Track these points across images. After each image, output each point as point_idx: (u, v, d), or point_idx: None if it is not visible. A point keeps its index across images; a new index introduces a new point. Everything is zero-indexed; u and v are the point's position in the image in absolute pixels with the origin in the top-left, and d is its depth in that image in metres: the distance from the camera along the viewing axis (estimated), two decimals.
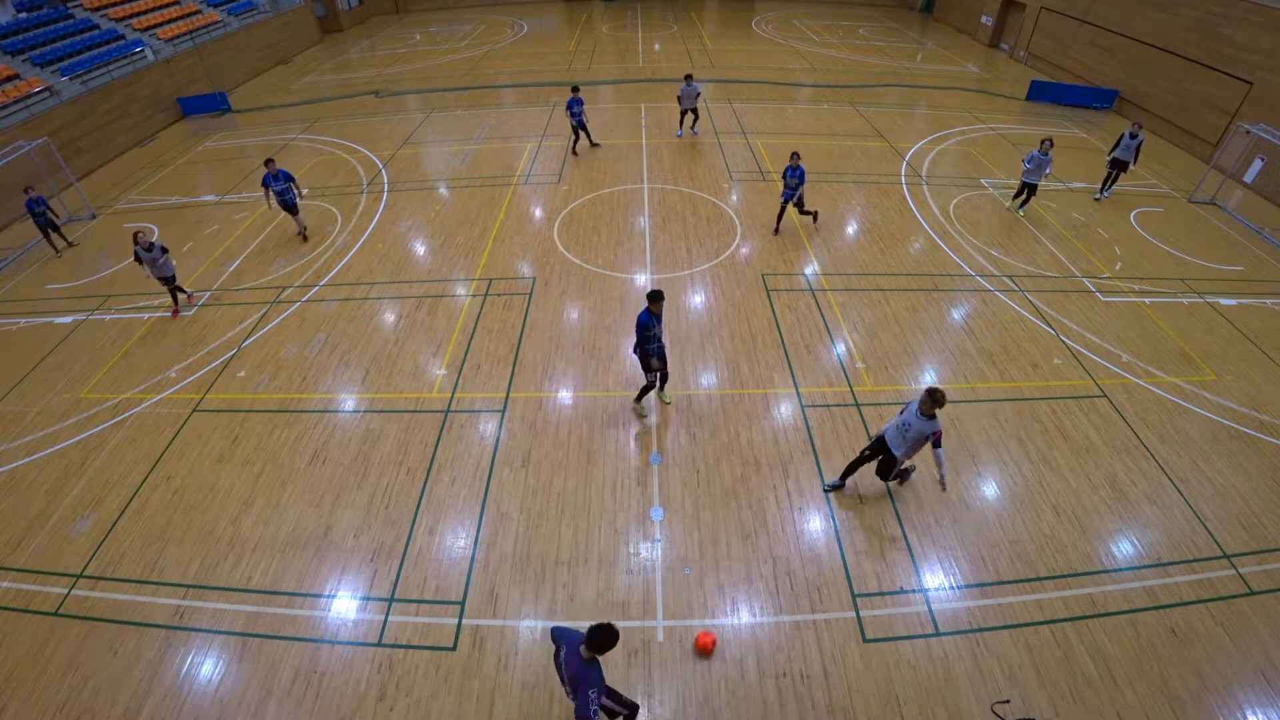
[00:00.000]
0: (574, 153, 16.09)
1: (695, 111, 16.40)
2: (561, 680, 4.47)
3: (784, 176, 11.73)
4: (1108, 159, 13.62)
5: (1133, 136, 12.87)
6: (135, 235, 10.08)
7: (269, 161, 11.73)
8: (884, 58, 25.02)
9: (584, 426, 8.25)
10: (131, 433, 8.47)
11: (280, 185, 11.80)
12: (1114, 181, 13.63)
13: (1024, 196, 12.86)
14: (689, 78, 15.57)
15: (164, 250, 10.23)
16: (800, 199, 11.83)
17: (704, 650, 5.88)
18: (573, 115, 15.26)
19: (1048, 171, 11.78)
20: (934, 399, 6.06)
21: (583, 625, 6.02)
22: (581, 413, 8.46)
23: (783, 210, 12.23)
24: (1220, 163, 14.87)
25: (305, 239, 12.61)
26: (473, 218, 13.28)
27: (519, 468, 7.71)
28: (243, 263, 12.10)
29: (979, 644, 5.92)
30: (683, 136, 16.85)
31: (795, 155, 11.59)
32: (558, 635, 4.55)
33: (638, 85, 21.75)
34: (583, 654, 4.20)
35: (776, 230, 12.44)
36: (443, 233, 12.79)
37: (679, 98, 15.95)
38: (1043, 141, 12.12)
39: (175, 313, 10.77)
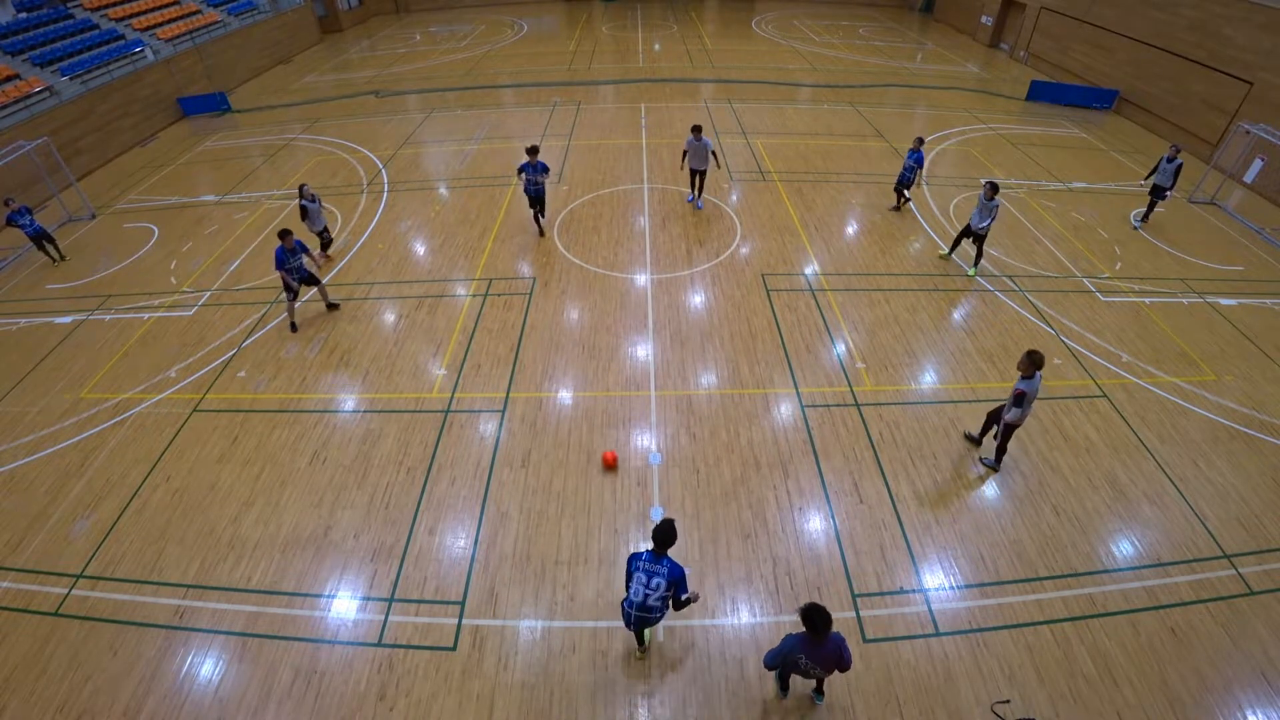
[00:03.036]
0: (540, 234, 12.57)
1: (703, 174, 12.76)
2: (811, 671, 4.82)
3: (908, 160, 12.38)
4: (1145, 184, 12.94)
5: (1170, 160, 12.05)
6: (301, 187, 11.16)
7: (285, 234, 9.44)
8: (884, 58, 25.02)
9: (584, 426, 8.25)
10: (131, 433, 8.47)
11: (296, 260, 9.65)
12: (1151, 209, 12.75)
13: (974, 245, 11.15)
14: (697, 131, 12.01)
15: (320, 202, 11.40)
16: (909, 182, 12.62)
17: (608, 465, 7.40)
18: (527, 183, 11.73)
19: (990, 221, 10.45)
20: (1032, 359, 6.64)
21: (583, 625, 6.06)
22: (581, 413, 8.46)
23: (899, 192, 12.98)
24: (1220, 163, 14.87)
25: (295, 329, 10.22)
26: (473, 218, 13.28)
27: (519, 468, 7.71)
28: (243, 263, 12.10)
29: (979, 644, 5.92)
30: (695, 204, 13.41)
31: (919, 140, 12.26)
32: (793, 650, 4.67)
33: (638, 85, 21.76)
34: (811, 638, 4.47)
35: (897, 207, 13.19)
36: (443, 233, 12.80)
37: (684, 153, 12.40)
38: (986, 183, 10.43)
39: (326, 258, 11.91)
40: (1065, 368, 9.18)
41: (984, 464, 7.72)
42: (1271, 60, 14.48)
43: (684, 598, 5.13)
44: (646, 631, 5.74)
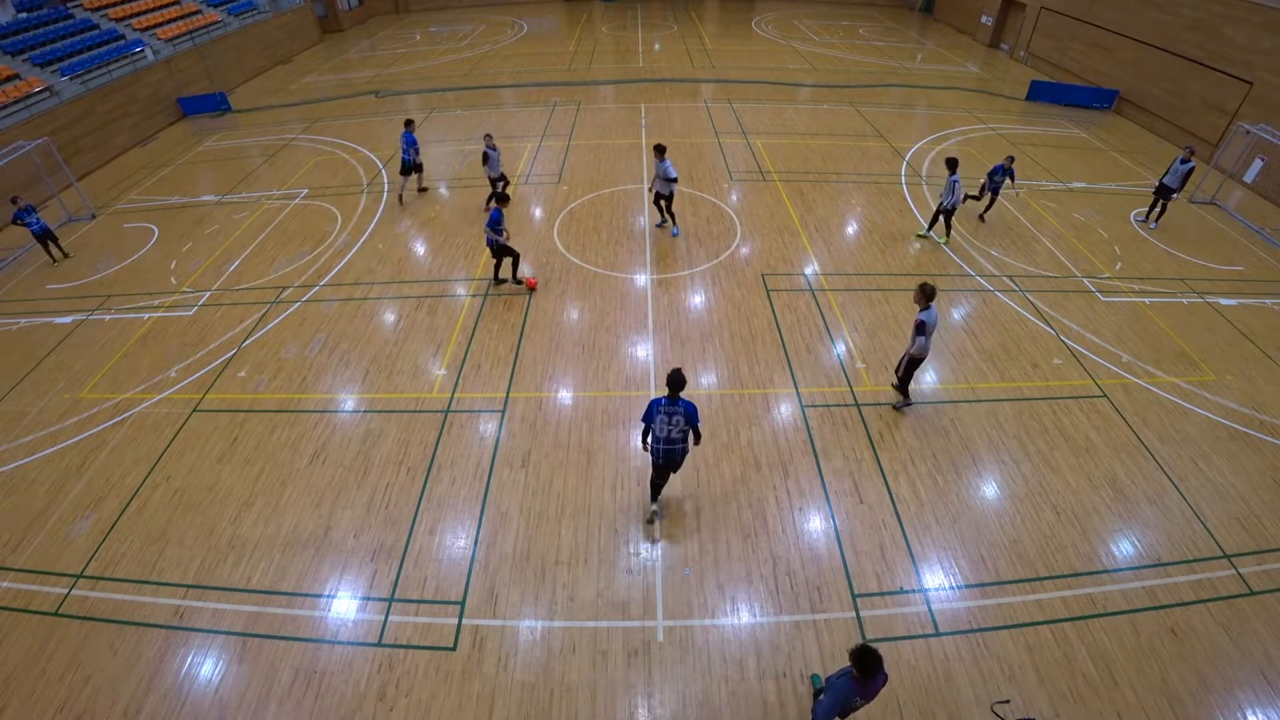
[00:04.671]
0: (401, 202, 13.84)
1: (669, 198, 11.87)
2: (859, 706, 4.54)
3: (991, 175, 12.19)
4: (1155, 184, 12.89)
5: (1184, 162, 11.97)
6: (486, 136, 12.73)
7: (408, 122, 13.45)
8: (884, 58, 25.02)
9: (584, 426, 8.25)
10: (131, 433, 8.47)
11: (410, 142, 13.29)
12: (1163, 210, 12.75)
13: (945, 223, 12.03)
14: (660, 151, 11.38)
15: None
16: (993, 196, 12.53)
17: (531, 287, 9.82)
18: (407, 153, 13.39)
19: (959, 199, 11.29)
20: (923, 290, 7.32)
21: (583, 625, 6.06)
22: (581, 413, 8.46)
23: (991, 203, 12.76)
24: (1220, 163, 14.87)
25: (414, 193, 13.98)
26: (472, 218, 13.28)
27: (519, 468, 7.71)
28: (243, 263, 12.10)
29: (979, 644, 5.91)
30: (665, 228, 12.56)
31: (1011, 159, 12.02)
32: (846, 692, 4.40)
33: (638, 85, 21.76)
34: (863, 680, 4.20)
35: (983, 218, 12.87)
36: (443, 233, 12.80)
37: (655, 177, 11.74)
38: (948, 160, 11.41)
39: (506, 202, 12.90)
40: (1065, 368, 9.18)
41: (895, 408, 8.39)
42: (1271, 60, 14.48)
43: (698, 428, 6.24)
44: (661, 498, 6.98)
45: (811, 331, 9.84)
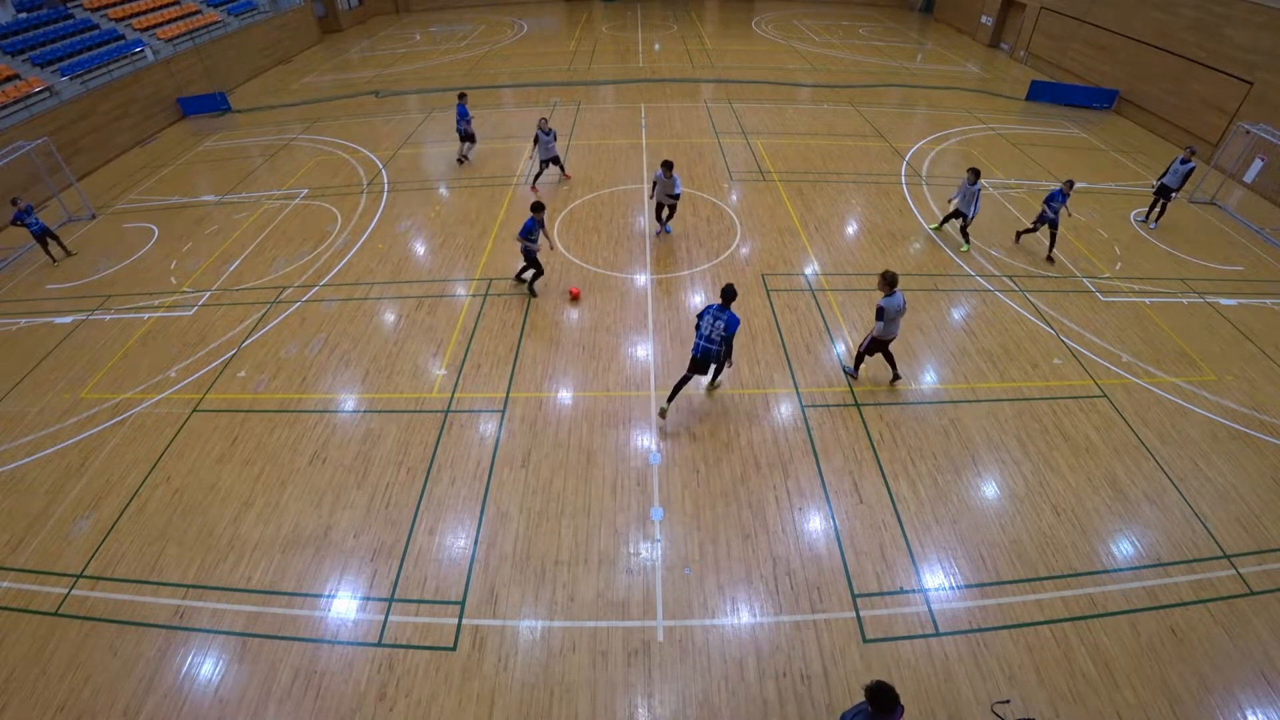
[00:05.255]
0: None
1: (672, 208, 11.83)
2: None
3: (1048, 203, 11.07)
4: (1154, 184, 12.84)
5: (1184, 162, 11.98)
6: (541, 120, 13.30)
7: (461, 95, 15.09)
8: (884, 58, 25.03)
9: (584, 426, 8.25)
10: (131, 433, 8.47)
11: (466, 115, 15.06)
12: (1163, 211, 12.73)
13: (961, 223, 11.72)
14: (668, 167, 11.10)
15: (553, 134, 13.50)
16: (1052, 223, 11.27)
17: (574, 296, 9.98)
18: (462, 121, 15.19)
19: (978, 210, 11.33)
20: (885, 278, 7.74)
21: (583, 625, 6.06)
22: (581, 413, 8.46)
23: (1053, 239, 11.49)
24: (1220, 163, 14.87)
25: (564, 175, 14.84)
26: (473, 218, 13.28)
27: (519, 468, 7.71)
28: (243, 263, 12.10)
29: (979, 644, 5.91)
30: (662, 235, 12.42)
31: (1070, 184, 10.95)
32: None
33: (638, 85, 21.76)
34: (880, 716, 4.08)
35: (1050, 258, 11.56)
36: (443, 233, 12.80)
37: (653, 184, 11.60)
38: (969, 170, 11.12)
39: (566, 177, 14.65)
40: (1065, 368, 9.18)
41: (846, 373, 8.98)
42: (1271, 60, 14.48)
43: (730, 355, 7.64)
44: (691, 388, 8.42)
45: (811, 331, 9.84)
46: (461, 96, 15.10)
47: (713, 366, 7.93)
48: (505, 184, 14.67)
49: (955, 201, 11.50)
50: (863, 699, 4.12)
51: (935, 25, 30.81)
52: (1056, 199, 11.10)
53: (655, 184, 11.63)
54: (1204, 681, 5.64)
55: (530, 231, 9.90)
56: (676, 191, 11.39)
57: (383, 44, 29.31)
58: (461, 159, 15.85)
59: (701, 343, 7.58)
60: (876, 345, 8.36)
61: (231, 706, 5.58)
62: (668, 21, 31.84)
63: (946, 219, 12.07)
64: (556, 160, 14.14)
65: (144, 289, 11.51)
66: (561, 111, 19.36)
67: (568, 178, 14.70)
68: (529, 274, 10.69)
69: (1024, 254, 11.85)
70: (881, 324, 7.97)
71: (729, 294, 7.57)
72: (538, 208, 9.98)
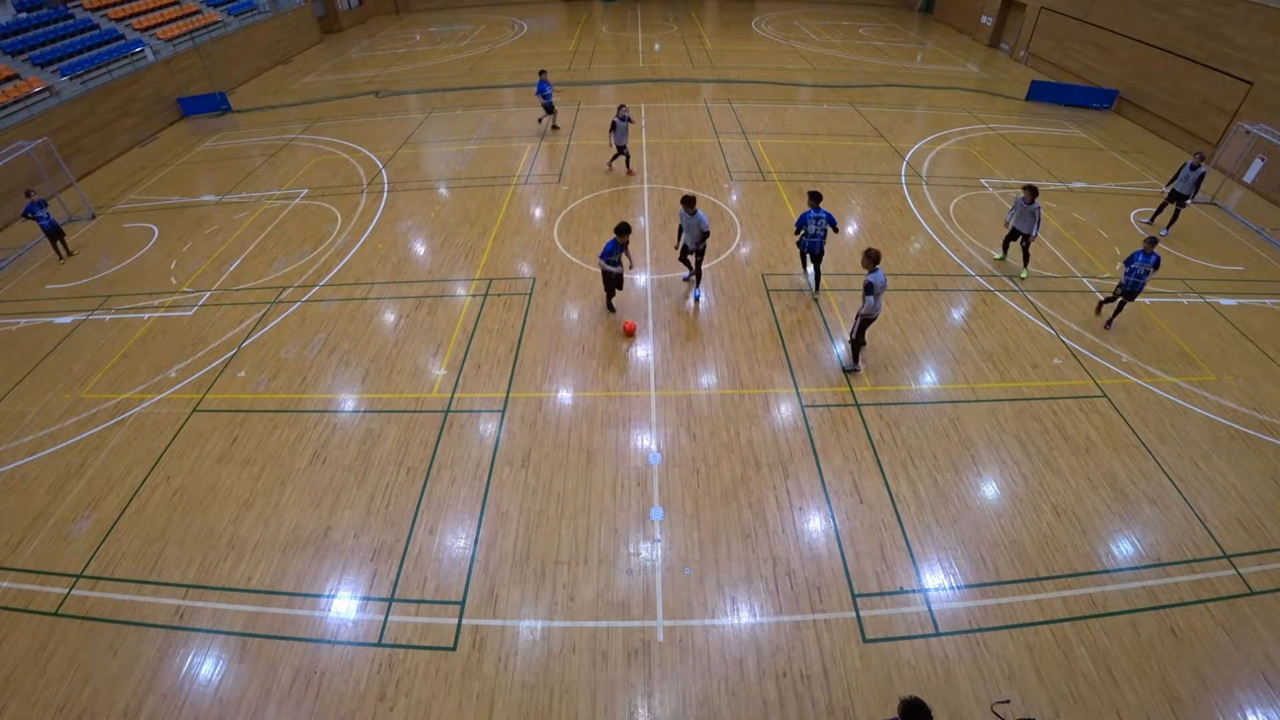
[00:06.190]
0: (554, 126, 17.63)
1: (701, 251, 10.14)
2: None
3: (1129, 265, 9.22)
4: (1165, 190, 12.61)
5: (1194, 168, 11.76)
6: (620, 106, 13.95)
7: (542, 71, 16.68)
8: (884, 58, 25.02)
9: (584, 426, 8.25)
10: (131, 433, 8.47)
11: (548, 89, 16.59)
12: (1175, 218, 12.47)
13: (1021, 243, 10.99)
14: (689, 204, 9.67)
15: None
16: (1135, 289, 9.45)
17: (629, 331, 9.64)
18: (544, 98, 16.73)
19: (1037, 226, 10.44)
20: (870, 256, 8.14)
21: (583, 625, 6.06)
22: (581, 413, 8.46)
23: (1121, 307, 9.77)
24: (1220, 163, 14.87)
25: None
26: (473, 218, 13.28)
27: (519, 468, 7.71)
28: (243, 263, 12.10)
29: (979, 644, 5.91)
30: (693, 293, 10.71)
31: (1153, 241, 9.01)
32: None
33: (638, 85, 21.76)
34: None
35: (1109, 321, 9.98)
36: (443, 233, 12.80)
37: (679, 229, 10.13)
38: (1025, 188, 10.35)
39: (629, 173, 15.01)
40: (1065, 368, 9.18)
41: (844, 369, 9.02)
42: (1271, 60, 14.48)
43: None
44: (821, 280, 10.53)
45: (811, 331, 9.84)
46: (542, 73, 16.60)
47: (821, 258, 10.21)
48: (505, 184, 14.67)
49: (1012, 221, 10.74)
50: (895, 715, 4.04)
51: (935, 25, 30.81)
52: (1139, 262, 9.04)
53: (680, 229, 10.05)
54: (1204, 681, 5.64)
55: (611, 253, 9.31)
56: (706, 229, 9.79)
57: (383, 44, 29.31)
58: (553, 126, 17.71)
59: (807, 240, 9.95)
60: (865, 325, 8.59)
61: (231, 706, 5.58)
62: (668, 21, 31.84)
63: (1007, 242, 11.25)
64: (624, 149, 14.40)
65: (144, 289, 11.51)
66: (561, 111, 19.34)
67: (630, 173, 14.99)
68: (612, 298, 10.15)
69: (1022, 254, 11.82)
70: (871, 299, 8.23)
71: (816, 195, 9.86)
72: (622, 229, 9.25)
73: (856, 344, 8.81)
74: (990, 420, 8.29)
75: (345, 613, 6.28)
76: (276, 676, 5.78)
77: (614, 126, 14.04)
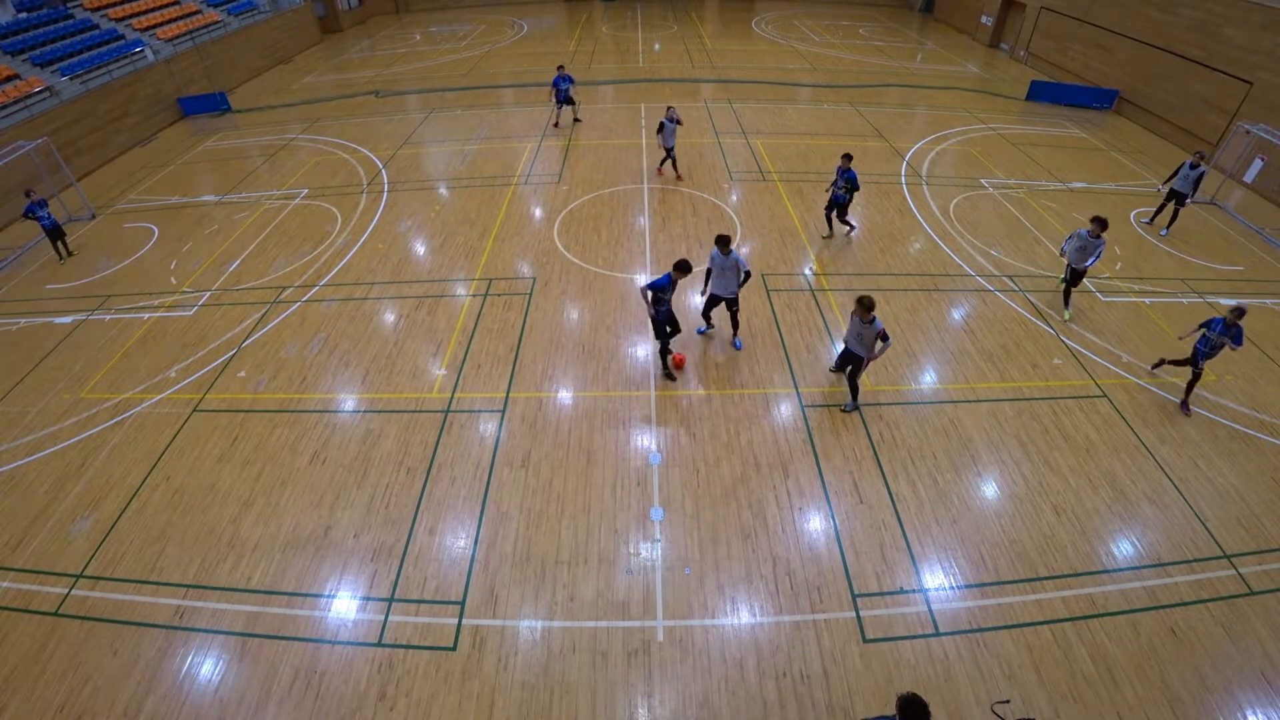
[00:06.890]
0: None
1: (736, 300, 8.98)
2: None
3: (1206, 331, 8.00)
4: (1162, 188, 12.50)
5: (1193, 167, 11.66)
6: (670, 109, 13.84)
7: (560, 66, 17.41)
8: (884, 58, 25.02)
9: (584, 426, 8.25)
10: (131, 433, 8.47)
11: (565, 85, 17.03)
12: (1174, 218, 12.41)
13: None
14: (724, 243, 8.33)
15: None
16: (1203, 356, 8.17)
17: (679, 365, 8.93)
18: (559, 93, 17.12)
19: (1094, 259, 9.40)
20: (863, 305, 7.33)
21: (583, 625, 6.05)
22: (581, 413, 8.46)
23: (1197, 377, 8.30)
24: (1220, 163, 14.87)
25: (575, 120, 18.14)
26: (473, 218, 13.28)
27: (519, 468, 7.71)
28: (243, 263, 12.10)
29: (979, 644, 5.92)
30: (733, 342, 9.50)
31: (1239, 314, 7.61)
32: None
33: (638, 85, 21.76)
34: None
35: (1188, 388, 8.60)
36: (443, 233, 12.80)
37: (707, 272, 8.79)
38: (1094, 220, 9.31)
39: (678, 178, 14.72)
40: (1065, 368, 9.18)
41: (844, 409, 8.45)
42: (1271, 60, 14.48)
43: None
44: None
45: (811, 331, 9.84)
46: (560, 68, 17.29)
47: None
48: (505, 184, 14.67)
49: (1068, 259, 9.66)
50: (892, 712, 4.02)
51: (935, 25, 30.81)
52: (1217, 329, 7.76)
53: (708, 273, 8.70)
54: (1204, 681, 5.64)
55: (663, 289, 7.95)
56: (747, 269, 8.47)
57: (383, 44, 29.30)
58: (558, 122, 18.16)
59: (837, 194, 11.45)
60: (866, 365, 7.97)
61: (231, 706, 5.58)
62: (668, 21, 31.84)
63: (1068, 286, 10.01)
64: (671, 151, 14.29)
65: (144, 289, 11.51)
66: (561, 111, 19.34)
67: (680, 178, 14.65)
68: (668, 354, 8.71)
69: (1024, 254, 11.83)
70: (888, 344, 7.42)
71: (848, 156, 11.20)
72: (683, 266, 7.89)
73: (856, 388, 8.27)
74: (990, 420, 8.29)
75: (345, 613, 6.28)
76: (276, 676, 5.78)
77: (661, 128, 13.95)
